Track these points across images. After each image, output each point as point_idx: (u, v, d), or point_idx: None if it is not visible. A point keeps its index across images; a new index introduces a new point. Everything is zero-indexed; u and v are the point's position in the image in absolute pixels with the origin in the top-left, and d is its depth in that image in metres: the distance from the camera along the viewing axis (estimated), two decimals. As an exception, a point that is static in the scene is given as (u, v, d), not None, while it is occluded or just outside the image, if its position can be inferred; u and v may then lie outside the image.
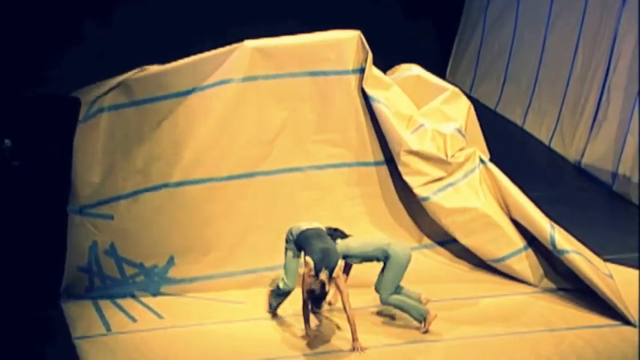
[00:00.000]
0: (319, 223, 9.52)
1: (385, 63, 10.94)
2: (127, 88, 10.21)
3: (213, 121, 10.25)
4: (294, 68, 10.42)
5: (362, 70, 10.51)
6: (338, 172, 10.64)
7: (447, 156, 10.45)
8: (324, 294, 8.89)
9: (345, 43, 10.49)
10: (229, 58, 10.25)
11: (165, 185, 10.19)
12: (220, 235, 10.27)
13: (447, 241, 10.68)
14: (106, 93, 10.16)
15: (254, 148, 10.38)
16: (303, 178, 10.52)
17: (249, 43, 10.33)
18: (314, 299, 8.92)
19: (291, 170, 10.49)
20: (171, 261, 10.16)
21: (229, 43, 10.38)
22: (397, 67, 11.17)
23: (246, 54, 10.27)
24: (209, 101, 10.23)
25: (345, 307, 9.05)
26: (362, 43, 10.51)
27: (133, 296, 10.00)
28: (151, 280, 10.10)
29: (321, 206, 10.52)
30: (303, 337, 9.32)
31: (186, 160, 10.20)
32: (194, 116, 10.23)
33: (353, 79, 10.52)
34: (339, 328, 9.40)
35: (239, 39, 10.41)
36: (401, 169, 10.48)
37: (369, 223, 10.64)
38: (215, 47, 10.39)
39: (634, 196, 12.29)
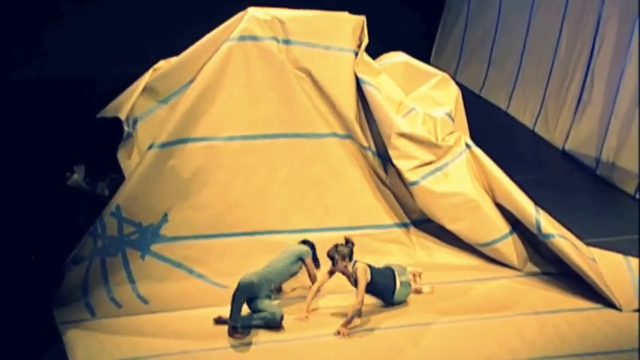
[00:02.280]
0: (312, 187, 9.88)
1: (368, 48, 10.93)
2: (151, 90, 10.40)
3: (214, 80, 10.31)
4: (302, 38, 10.44)
5: (357, 54, 10.55)
6: (339, 143, 10.60)
7: (437, 139, 10.46)
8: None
9: (353, 22, 10.54)
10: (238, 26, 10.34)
11: (167, 144, 10.24)
12: (217, 196, 10.27)
13: (427, 221, 10.67)
14: (133, 104, 10.36)
15: (256, 110, 10.37)
16: (303, 144, 10.48)
17: (254, 10, 10.40)
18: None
19: (292, 136, 10.45)
20: (164, 218, 10.15)
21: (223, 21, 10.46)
22: (384, 55, 11.18)
23: (253, 19, 10.34)
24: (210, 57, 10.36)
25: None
26: (364, 28, 10.54)
27: (124, 254, 9.99)
28: (144, 237, 10.09)
29: (319, 171, 10.49)
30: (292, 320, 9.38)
31: (190, 118, 10.26)
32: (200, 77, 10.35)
33: (353, 59, 10.56)
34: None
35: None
36: (391, 152, 10.47)
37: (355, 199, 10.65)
38: (210, 27, 10.47)
39: (617, 179, 12.33)
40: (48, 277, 9.91)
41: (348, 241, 9.47)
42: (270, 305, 9.31)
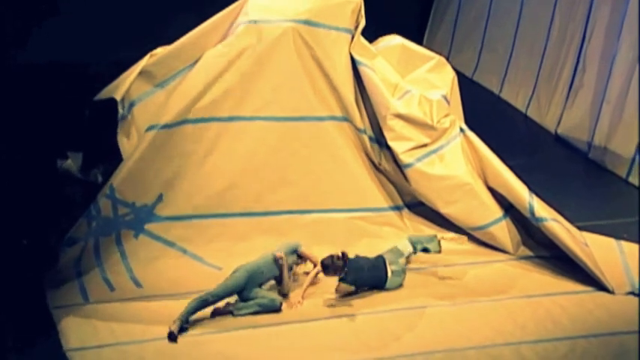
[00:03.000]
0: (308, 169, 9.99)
1: (362, 31, 10.93)
2: (148, 74, 10.43)
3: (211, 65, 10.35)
4: (305, 16, 10.44)
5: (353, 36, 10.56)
6: (337, 126, 10.58)
7: (433, 121, 10.46)
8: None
9: (352, 5, 10.53)
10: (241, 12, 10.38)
11: (166, 126, 10.25)
12: (214, 177, 10.29)
13: (421, 204, 10.68)
14: (129, 87, 10.37)
15: (255, 93, 10.35)
16: (301, 127, 10.45)
17: None
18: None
19: (290, 119, 10.43)
20: (160, 198, 10.16)
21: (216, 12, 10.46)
22: (380, 38, 11.16)
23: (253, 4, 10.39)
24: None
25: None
26: (362, 10, 10.54)
27: (118, 234, 10.00)
28: (138, 217, 10.10)
29: (316, 154, 10.48)
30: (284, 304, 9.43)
31: (193, 100, 10.28)
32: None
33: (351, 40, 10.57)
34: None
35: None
36: (386, 134, 10.46)
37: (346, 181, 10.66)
38: (201, 18, 10.50)
39: (609, 163, 12.34)
40: (40, 262, 9.93)
41: (344, 256, 9.44)
42: (266, 292, 9.33)
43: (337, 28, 10.51)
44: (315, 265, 9.65)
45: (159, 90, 10.42)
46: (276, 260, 9.43)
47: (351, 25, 10.55)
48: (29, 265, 9.82)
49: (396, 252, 9.71)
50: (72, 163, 11.78)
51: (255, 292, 9.27)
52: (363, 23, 10.55)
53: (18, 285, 9.54)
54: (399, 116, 10.41)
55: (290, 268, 9.59)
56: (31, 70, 14.69)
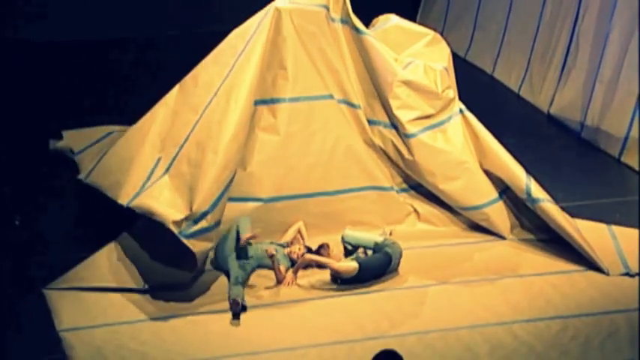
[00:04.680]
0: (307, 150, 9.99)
1: (355, 9, 10.85)
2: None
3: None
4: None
5: (345, 21, 10.43)
6: (334, 105, 10.38)
7: (438, 89, 10.42)
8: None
9: None
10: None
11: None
12: None
13: (417, 186, 10.63)
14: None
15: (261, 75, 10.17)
16: (301, 107, 10.26)
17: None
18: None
19: (291, 100, 10.24)
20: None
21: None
22: (375, 20, 11.11)
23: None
24: None
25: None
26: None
27: None
28: None
29: (314, 134, 10.29)
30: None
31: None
32: None
33: (339, 28, 10.47)
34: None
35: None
36: (392, 102, 10.32)
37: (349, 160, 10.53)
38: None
39: (602, 143, 12.35)
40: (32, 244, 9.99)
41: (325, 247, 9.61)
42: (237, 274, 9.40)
43: (318, 5, 10.38)
44: (304, 240, 9.75)
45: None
46: (270, 256, 9.45)
47: (341, 14, 10.44)
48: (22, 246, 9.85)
49: (392, 244, 9.70)
50: (64, 143, 11.76)
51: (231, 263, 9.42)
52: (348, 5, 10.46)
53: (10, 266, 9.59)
54: (406, 83, 10.31)
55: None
56: (27, 47, 14.78)
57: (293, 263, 9.57)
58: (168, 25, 15.73)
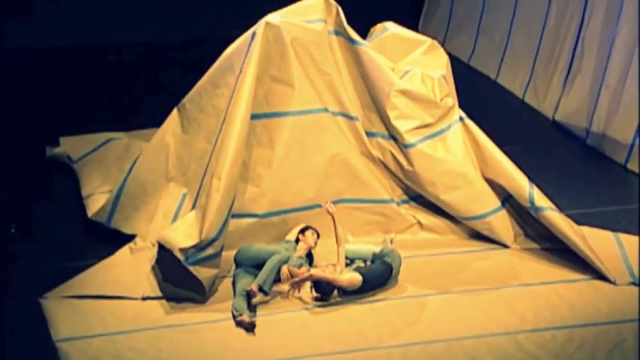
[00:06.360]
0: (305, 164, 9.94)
1: (356, 14, 10.80)
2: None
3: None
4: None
5: (339, 33, 10.32)
6: (331, 119, 10.27)
7: (436, 98, 10.32)
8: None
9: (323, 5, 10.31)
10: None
11: None
12: None
13: (417, 197, 10.53)
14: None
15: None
16: (298, 120, 10.14)
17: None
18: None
19: (289, 114, 10.13)
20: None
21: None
22: (372, 29, 11.02)
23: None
24: None
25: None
26: (337, 10, 10.34)
27: None
28: None
29: (311, 147, 10.18)
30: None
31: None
32: None
33: (334, 40, 10.36)
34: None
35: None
36: (390, 112, 10.23)
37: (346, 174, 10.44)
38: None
39: (607, 149, 12.28)
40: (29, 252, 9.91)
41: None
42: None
43: (312, 21, 10.27)
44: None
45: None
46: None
47: (334, 26, 10.34)
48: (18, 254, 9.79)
49: (391, 252, 9.61)
50: (61, 149, 11.70)
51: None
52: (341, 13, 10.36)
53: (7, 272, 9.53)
54: (404, 92, 10.22)
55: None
56: (22, 53, 14.76)
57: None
58: (167, 31, 15.69)
